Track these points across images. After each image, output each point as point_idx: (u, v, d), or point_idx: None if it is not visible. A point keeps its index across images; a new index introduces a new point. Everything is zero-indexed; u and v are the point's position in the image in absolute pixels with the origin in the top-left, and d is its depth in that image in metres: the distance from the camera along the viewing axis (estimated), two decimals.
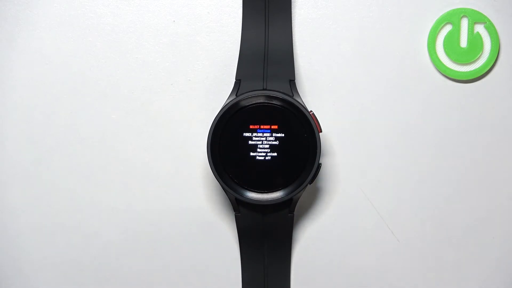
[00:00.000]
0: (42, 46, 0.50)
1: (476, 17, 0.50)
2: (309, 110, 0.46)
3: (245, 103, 0.46)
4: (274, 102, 0.46)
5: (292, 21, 0.49)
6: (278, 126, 0.46)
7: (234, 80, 0.47)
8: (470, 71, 0.50)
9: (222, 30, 0.51)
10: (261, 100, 0.46)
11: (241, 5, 0.49)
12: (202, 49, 0.51)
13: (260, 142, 0.46)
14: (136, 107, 0.51)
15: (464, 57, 0.50)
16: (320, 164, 0.46)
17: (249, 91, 0.46)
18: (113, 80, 0.51)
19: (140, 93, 0.51)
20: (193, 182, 0.51)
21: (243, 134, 0.46)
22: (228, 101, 0.46)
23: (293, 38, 0.49)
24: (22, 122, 0.51)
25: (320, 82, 0.51)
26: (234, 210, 0.48)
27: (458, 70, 0.50)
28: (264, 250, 0.49)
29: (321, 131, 0.46)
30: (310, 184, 0.46)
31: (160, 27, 0.51)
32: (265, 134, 0.46)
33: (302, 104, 0.46)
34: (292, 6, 0.49)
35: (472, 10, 0.50)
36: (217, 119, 0.46)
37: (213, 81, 0.51)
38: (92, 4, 0.51)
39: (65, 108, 0.51)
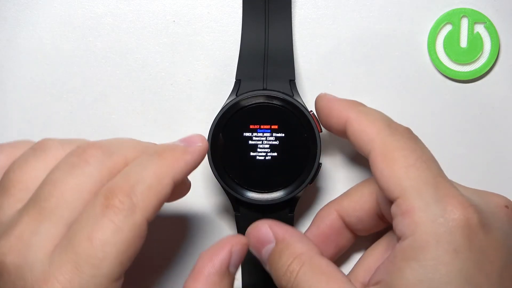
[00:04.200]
0: (42, 46, 0.50)
1: (476, 17, 0.50)
2: (309, 110, 0.46)
3: (245, 103, 0.46)
4: (274, 102, 0.46)
5: (292, 21, 0.49)
6: (278, 126, 0.46)
7: (234, 80, 0.47)
8: (470, 71, 0.50)
9: (222, 30, 0.51)
10: (261, 100, 0.46)
11: (241, 5, 0.49)
12: (202, 49, 0.51)
13: (260, 142, 0.46)
14: (136, 107, 0.51)
15: (464, 57, 0.50)
16: (320, 164, 0.46)
17: (249, 91, 0.46)
18: (113, 80, 0.51)
19: (140, 93, 0.51)
20: (193, 182, 0.51)
21: (243, 134, 0.46)
22: (228, 101, 0.46)
23: (293, 38, 0.49)
24: (22, 122, 0.51)
25: (320, 82, 0.51)
26: (234, 210, 0.48)
27: (458, 70, 0.50)
28: None
29: (321, 131, 0.46)
30: (310, 184, 0.46)
31: (160, 27, 0.51)
32: (265, 134, 0.46)
33: (302, 104, 0.46)
34: (292, 6, 0.49)
35: (472, 10, 0.50)
36: (217, 119, 0.45)
37: (213, 81, 0.51)
38: (92, 4, 0.51)
39: (65, 108, 0.51)
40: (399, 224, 0.38)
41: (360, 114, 0.42)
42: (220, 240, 0.42)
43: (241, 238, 0.42)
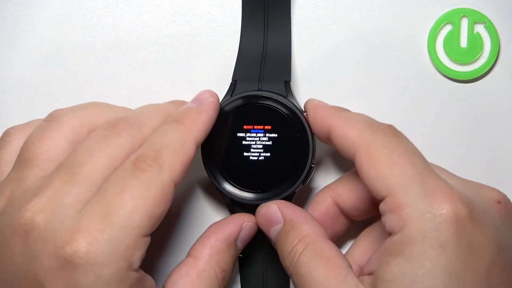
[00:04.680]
0: (42, 46, 0.51)
1: (476, 17, 0.50)
2: (303, 111, 0.46)
3: (238, 103, 0.46)
4: (267, 102, 0.46)
5: (292, 21, 0.49)
6: (271, 127, 0.46)
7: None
8: (470, 71, 0.50)
9: (222, 30, 0.51)
10: (255, 100, 0.46)
11: (241, 5, 0.49)
12: (202, 49, 0.51)
13: (253, 142, 0.46)
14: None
15: (464, 57, 0.50)
16: (313, 165, 0.46)
17: (243, 92, 0.46)
18: (113, 80, 0.51)
19: (140, 93, 0.51)
20: (190, 183, 0.51)
21: (236, 134, 0.46)
22: (222, 101, 0.46)
23: (293, 38, 0.49)
24: (22, 122, 0.51)
25: (320, 82, 0.51)
26: (229, 211, 0.48)
27: (458, 70, 0.50)
28: (262, 250, 0.48)
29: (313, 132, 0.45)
30: (303, 184, 0.46)
31: (160, 27, 0.51)
32: (258, 135, 0.46)
33: (296, 104, 0.46)
34: (292, 6, 0.49)
35: (472, 10, 0.50)
36: None
37: (213, 81, 0.51)
38: (92, 4, 0.51)
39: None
40: (388, 221, 0.38)
41: (341, 120, 0.42)
42: (232, 215, 0.44)
43: (253, 217, 0.44)
